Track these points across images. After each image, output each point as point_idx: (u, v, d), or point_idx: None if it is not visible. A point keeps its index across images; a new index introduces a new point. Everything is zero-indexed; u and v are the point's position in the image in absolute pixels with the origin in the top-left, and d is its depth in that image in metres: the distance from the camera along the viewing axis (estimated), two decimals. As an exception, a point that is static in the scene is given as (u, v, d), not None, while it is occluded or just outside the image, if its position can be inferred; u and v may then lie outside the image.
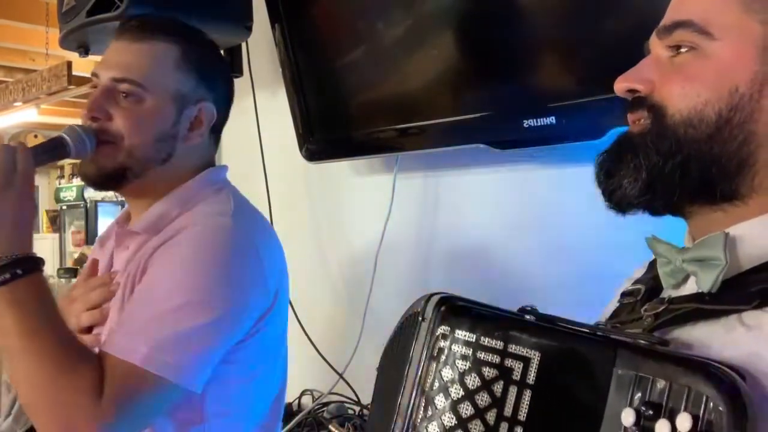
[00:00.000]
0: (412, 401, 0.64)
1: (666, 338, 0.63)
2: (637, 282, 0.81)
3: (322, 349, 1.85)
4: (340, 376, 1.85)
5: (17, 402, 3.23)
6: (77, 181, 8.18)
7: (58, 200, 8.29)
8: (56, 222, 8.52)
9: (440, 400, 0.62)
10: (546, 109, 1.34)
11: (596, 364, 0.60)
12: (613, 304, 0.83)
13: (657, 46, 0.70)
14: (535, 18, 1.40)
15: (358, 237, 1.93)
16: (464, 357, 0.62)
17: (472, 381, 0.61)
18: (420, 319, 0.68)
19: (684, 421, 0.54)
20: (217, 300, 1.02)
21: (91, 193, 7.30)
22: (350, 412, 1.80)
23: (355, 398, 1.83)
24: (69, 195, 8.02)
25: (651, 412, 0.56)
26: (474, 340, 0.61)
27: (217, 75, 1.20)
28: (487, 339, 0.61)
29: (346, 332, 1.87)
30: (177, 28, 1.17)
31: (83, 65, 4.21)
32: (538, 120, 1.34)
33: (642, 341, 0.61)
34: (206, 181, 1.17)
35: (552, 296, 1.48)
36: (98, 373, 0.95)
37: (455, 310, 0.65)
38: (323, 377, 1.88)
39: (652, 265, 0.79)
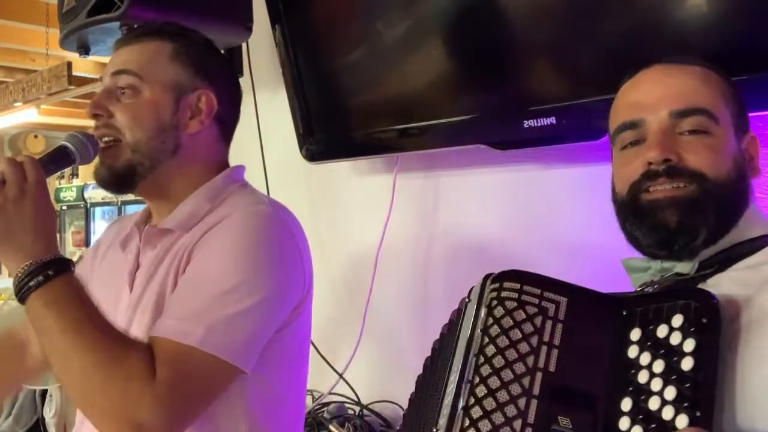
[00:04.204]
0: (475, 336, 0.85)
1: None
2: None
3: (322, 349, 1.85)
4: (340, 376, 1.85)
5: (17, 402, 3.24)
6: (77, 182, 8.18)
7: (58, 200, 8.27)
8: (56, 222, 8.52)
9: (494, 329, 0.84)
10: (546, 109, 1.34)
11: (607, 305, 0.85)
12: None
13: (662, 123, 0.93)
14: (535, 18, 1.40)
15: (358, 237, 1.93)
16: (511, 299, 0.84)
17: (518, 314, 0.83)
18: (467, 300, 0.93)
19: (677, 319, 0.78)
20: (264, 281, 1.05)
21: (90, 194, 7.29)
22: (350, 412, 1.80)
23: (355, 398, 1.83)
24: (69, 195, 8.01)
25: (651, 327, 0.80)
26: (518, 288, 0.85)
27: (216, 67, 1.22)
28: (527, 287, 0.85)
29: (346, 332, 1.88)
30: (169, 28, 1.21)
31: (83, 65, 4.22)
32: (538, 120, 1.35)
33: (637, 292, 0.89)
34: (231, 178, 1.20)
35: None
36: (148, 357, 0.96)
37: (501, 274, 0.88)
38: (323, 377, 1.88)
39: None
